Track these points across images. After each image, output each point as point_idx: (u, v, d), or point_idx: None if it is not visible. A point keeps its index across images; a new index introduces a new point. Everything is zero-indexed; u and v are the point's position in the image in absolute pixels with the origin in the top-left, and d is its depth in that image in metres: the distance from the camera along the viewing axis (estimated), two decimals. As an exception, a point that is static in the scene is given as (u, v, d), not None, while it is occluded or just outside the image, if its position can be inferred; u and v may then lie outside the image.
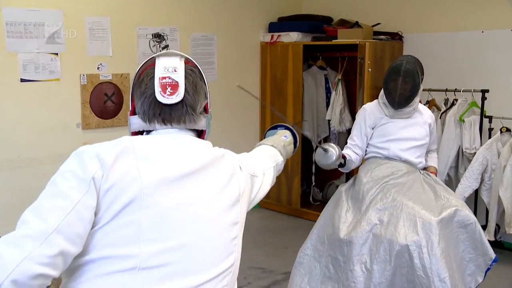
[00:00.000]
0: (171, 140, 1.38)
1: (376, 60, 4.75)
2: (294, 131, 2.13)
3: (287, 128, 2.15)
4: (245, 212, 1.51)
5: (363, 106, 3.32)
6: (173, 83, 1.36)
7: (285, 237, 4.76)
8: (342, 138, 5.40)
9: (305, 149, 5.40)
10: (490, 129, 4.37)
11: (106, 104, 4.35)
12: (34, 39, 3.90)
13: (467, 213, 2.89)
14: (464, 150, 4.39)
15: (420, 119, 3.21)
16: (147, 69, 1.40)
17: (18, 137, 3.91)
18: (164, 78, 1.36)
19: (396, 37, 5.02)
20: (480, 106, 4.34)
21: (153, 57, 1.43)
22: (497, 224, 4.27)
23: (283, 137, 2.05)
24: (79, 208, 1.18)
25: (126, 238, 1.23)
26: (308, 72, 5.45)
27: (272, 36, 5.45)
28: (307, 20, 5.38)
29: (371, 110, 3.21)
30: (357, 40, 4.77)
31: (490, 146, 4.22)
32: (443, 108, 4.54)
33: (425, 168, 3.29)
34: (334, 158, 2.84)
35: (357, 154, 3.20)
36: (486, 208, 4.35)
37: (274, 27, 5.51)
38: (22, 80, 3.88)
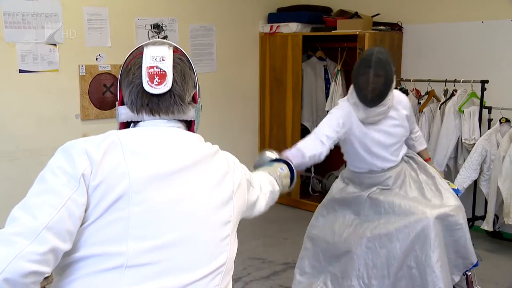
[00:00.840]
0: (159, 134, 1.35)
1: (375, 50, 4.73)
2: (292, 166, 2.07)
3: (285, 162, 2.09)
4: (239, 212, 1.46)
5: (335, 107, 2.87)
6: (161, 72, 1.33)
7: (285, 228, 4.77)
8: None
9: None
10: (490, 120, 4.36)
11: (105, 95, 4.34)
12: (32, 29, 3.88)
13: (456, 219, 2.76)
14: (463, 140, 4.39)
15: (396, 115, 2.87)
16: (135, 59, 1.37)
17: (17, 128, 3.90)
18: (152, 67, 1.33)
19: (395, 27, 5.00)
20: (479, 96, 4.34)
21: (140, 46, 1.39)
22: (495, 215, 4.29)
23: (280, 169, 2.01)
24: (70, 205, 1.16)
25: (114, 235, 1.21)
26: (307, 63, 5.44)
27: (271, 27, 5.43)
28: (306, 11, 5.35)
29: (348, 112, 2.78)
30: (357, 30, 4.76)
31: (489, 136, 4.22)
32: (443, 99, 4.53)
33: (418, 153, 3.15)
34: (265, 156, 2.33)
35: (322, 144, 2.67)
36: (485, 199, 4.36)
37: (273, 18, 5.49)
38: (21, 71, 3.87)
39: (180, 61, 1.39)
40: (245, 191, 1.51)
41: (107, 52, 4.32)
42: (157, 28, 4.63)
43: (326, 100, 5.36)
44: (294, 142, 5.69)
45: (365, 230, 2.84)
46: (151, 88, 1.32)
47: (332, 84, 5.26)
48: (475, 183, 4.38)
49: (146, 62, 1.33)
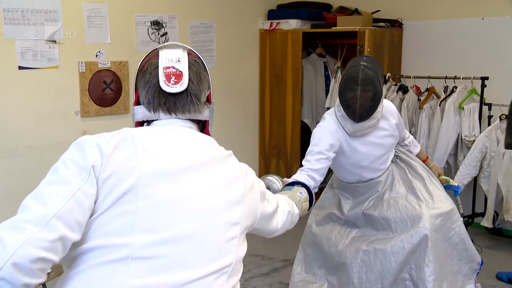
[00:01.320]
0: (172, 133, 1.38)
1: (375, 47, 4.74)
2: (311, 189, 2.12)
3: (303, 185, 2.14)
4: (250, 217, 1.46)
5: (320, 125, 2.73)
6: (177, 72, 1.37)
7: (284, 225, 4.76)
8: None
9: (304, 137, 5.40)
10: (490, 117, 4.36)
11: (105, 92, 4.34)
12: (32, 26, 3.87)
13: (448, 225, 2.73)
14: (463, 137, 4.39)
15: (387, 126, 2.78)
16: (151, 60, 1.41)
17: (17, 125, 3.90)
18: (168, 68, 1.37)
19: (395, 24, 5.00)
20: (479, 93, 4.33)
21: (156, 48, 1.44)
22: (495, 211, 4.29)
23: (299, 193, 2.05)
24: (79, 196, 1.19)
25: (122, 227, 1.23)
26: (307, 59, 5.44)
27: (271, 24, 5.42)
28: (306, 7, 5.34)
29: (334, 131, 2.68)
30: (357, 27, 4.75)
31: (489, 133, 4.22)
32: (443, 96, 4.53)
33: (417, 155, 3.11)
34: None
35: (313, 181, 2.55)
36: (485, 195, 4.36)
37: (273, 15, 5.48)
38: (20, 68, 3.86)
39: (195, 62, 1.43)
40: (258, 199, 1.51)
41: (107, 49, 4.31)
42: (157, 24, 4.62)
43: (326, 97, 5.37)
44: (293, 139, 5.69)
45: (361, 243, 2.80)
46: (167, 87, 1.36)
47: (332, 81, 5.26)
48: (475, 179, 4.38)
49: (163, 63, 1.37)
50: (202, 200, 1.33)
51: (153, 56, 1.42)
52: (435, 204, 2.76)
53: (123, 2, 4.40)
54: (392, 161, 2.93)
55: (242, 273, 1.50)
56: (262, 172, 5.54)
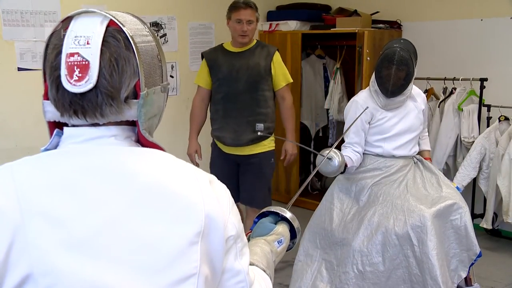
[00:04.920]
0: (80, 166, 0.95)
1: (374, 48, 4.73)
2: (292, 221, 1.49)
3: (282, 217, 1.50)
4: (211, 260, 0.98)
5: (354, 99, 3.09)
6: (83, 62, 0.95)
7: (284, 226, 4.76)
8: (340, 127, 5.39)
9: (303, 138, 5.40)
10: (489, 118, 4.37)
11: (104, 93, 4.33)
12: (31, 27, 3.88)
13: (453, 208, 2.85)
14: (462, 139, 4.40)
15: (414, 106, 3.05)
16: (55, 34, 1.01)
17: (16, 126, 3.90)
18: (72, 55, 0.95)
19: (394, 25, 5.00)
20: (478, 94, 4.34)
21: (69, 16, 1.01)
22: (494, 213, 4.29)
23: (276, 243, 1.38)
24: None
25: None
26: (306, 61, 5.44)
27: (270, 25, 5.42)
28: (305, 9, 5.35)
29: (365, 103, 2.98)
30: (356, 28, 4.75)
31: (488, 135, 4.22)
32: (442, 97, 4.53)
33: (419, 153, 3.22)
34: (337, 166, 2.76)
35: (358, 153, 2.98)
36: (484, 197, 4.36)
37: (272, 16, 5.48)
38: (20, 69, 3.86)
39: (114, 40, 0.98)
40: (220, 258, 1.00)
41: (106, 50, 4.31)
42: (155, 26, 4.62)
43: (325, 98, 5.36)
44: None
45: (363, 218, 2.88)
46: (69, 85, 0.95)
47: (331, 82, 5.26)
48: (474, 181, 4.38)
49: (67, 45, 0.96)
50: (120, 277, 0.90)
51: (63, 28, 0.99)
52: (443, 192, 2.94)
53: (122, 3, 4.40)
54: (413, 161, 3.11)
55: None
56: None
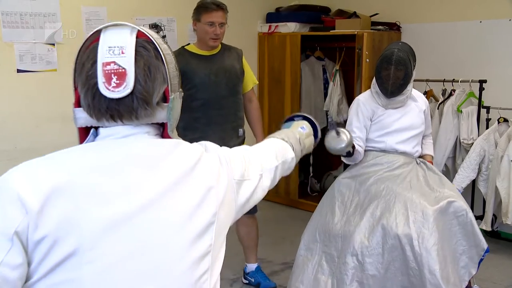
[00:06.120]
0: (120, 154, 1.10)
1: (374, 50, 4.74)
2: (314, 121, 1.86)
3: (305, 118, 1.86)
4: (225, 227, 1.24)
5: (356, 98, 3.23)
6: (120, 70, 1.06)
7: (283, 228, 4.77)
8: (339, 129, 5.40)
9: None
10: (488, 120, 4.37)
11: (103, 95, 4.33)
12: (30, 29, 3.88)
13: (459, 204, 2.89)
14: (461, 140, 4.40)
15: (415, 106, 3.15)
16: (89, 49, 1.11)
17: (15, 128, 3.90)
18: (109, 63, 1.06)
19: (394, 27, 5.00)
20: (477, 96, 4.34)
21: (98, 30, 1.13)
22: (494, 215, 4.29)
23: (300, 128, 1.77)
24: (2, 270, 0.96)
25: None
26: (306, 62, 5.44)
27: (269, 27, 5.43)
28: (305, 11, 5.36)
29: (366, 101, 3.13)
30: (355, 30, 4.76)
31: (487, 136, 4.23)
32: (441, 99, 4.54)
33: (421, 156, 3.28)
34: (345, 144, 2.79)
35: (360, 147, 3.09)
36: (483, 199, 4.36)
37: (272, 18, 5.48)
38: (19, 71, 3.86)
39: (144, 50, 1.10)
40: (233, 199, 1.27)
41: (106, 51, 4.31)
42: (155, 27, 4.62)
43: (325, 100, 5.37)
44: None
45: (365, 210, 2.91)
46: (108, 91, 1.07)
47: (331, 84, 5.26)
48: (473, 183, 4.38)
49: (102, 56, 1.07)
50: (162, 249, 1.09)
51: (93, 42, 1.11)
52: (445, 189, 2.99)
53: (122, 5, 4.40)
54: (417, 162, 3.16)
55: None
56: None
